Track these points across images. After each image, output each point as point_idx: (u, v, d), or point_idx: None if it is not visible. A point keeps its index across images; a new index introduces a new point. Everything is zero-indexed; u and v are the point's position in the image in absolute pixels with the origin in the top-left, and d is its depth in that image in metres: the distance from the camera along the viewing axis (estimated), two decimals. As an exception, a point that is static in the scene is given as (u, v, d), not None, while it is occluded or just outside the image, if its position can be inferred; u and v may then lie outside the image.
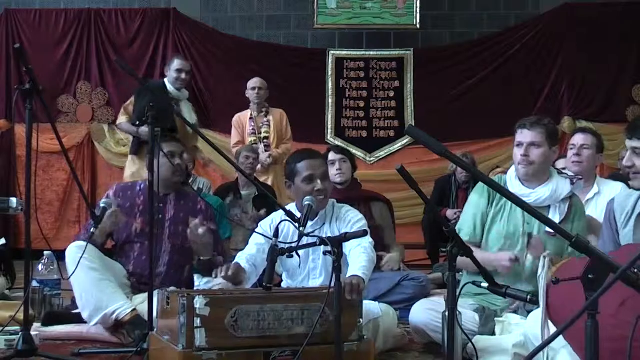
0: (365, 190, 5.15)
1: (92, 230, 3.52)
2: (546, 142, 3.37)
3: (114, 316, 3.51)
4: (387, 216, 4.96)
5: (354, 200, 4.66)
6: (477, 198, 3.49)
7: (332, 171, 4.85)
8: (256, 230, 3.52)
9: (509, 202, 3.40)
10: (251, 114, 6.88)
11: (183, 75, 5.89)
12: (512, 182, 3.45)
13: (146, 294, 3.73)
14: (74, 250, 3.55)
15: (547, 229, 3.33)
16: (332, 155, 4.94)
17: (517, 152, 3.41)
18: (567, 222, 3.36)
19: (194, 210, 3.97)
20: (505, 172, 6.69)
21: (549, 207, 3.38)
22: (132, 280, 3.86)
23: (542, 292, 2.54)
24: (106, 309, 3.51)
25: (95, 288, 3.54)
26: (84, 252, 3.39)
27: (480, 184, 3.56)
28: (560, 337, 2.48)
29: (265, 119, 6.85)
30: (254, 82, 6.93)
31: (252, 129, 6.80)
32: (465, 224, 3.46)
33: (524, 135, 3.39)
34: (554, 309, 2.48)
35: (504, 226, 3.40)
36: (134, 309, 3.55)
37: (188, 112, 5.93)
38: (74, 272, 3.36)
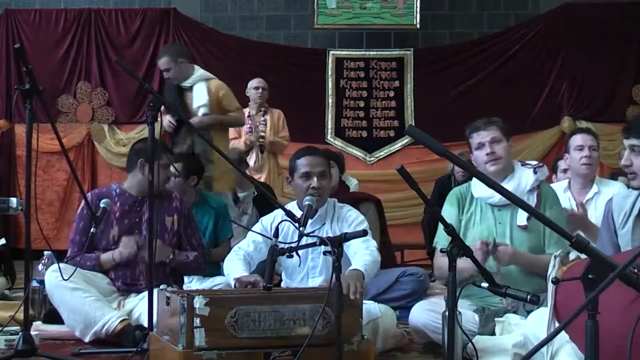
0: (354, 192, 5.13)
1: (92, 230, 3.52)
2: (504, 137, 3.43)
3: (104, 330, 3.50)
4: (373, 217, 4.90)
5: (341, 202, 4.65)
6: (448, 208, 3.51)
7: None
8: (255, 226, 3.54)
9: (480, 207, 3.44)
10: (249, 112, 6.92)
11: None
12: (477, 185, 3.44)
13: (139, 294, 3.75)
14: (53, 276, 3.57)
15: (519, 223, 3.34)
16: None
17: (481, 154, 3.44)
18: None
19: (169, 209, 3.93)
20: None
21: None
22: (117, 285, 3.85)
23: (551, 291, 2.53)
24: (95, 325, 3.51)
25: (80, 307, 3.54)
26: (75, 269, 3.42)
27: (450, 193, 3.59)
28: (565, 333, 2.48)
29: (262, 118, 6.92)
30: (257, 81, 6.99)
31: (250, 128, 6.85)
32: (441, 236, 3.44)
33: (482, 135, 3.44)
34: (562, 309, 2.48)
35: (477, 231, 3.40)
36: (124, 319, 3.55)
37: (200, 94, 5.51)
38: (71, 275, 3.36)
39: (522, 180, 3.40)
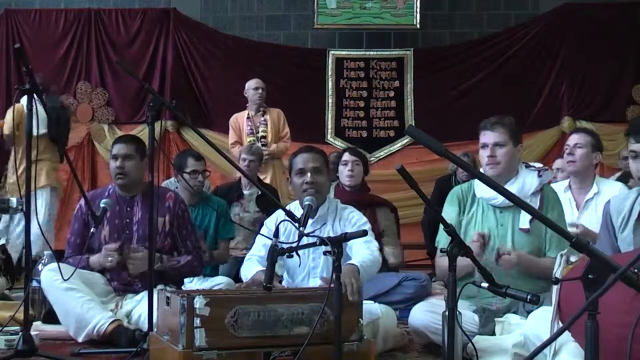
0: (373, 195, 5.18)
1: (92, 230, 3.52)
2: (510, 140, 3.39)
3: (95, 332, 3.51)
4: (391, 223, 4.97)
5: (360, 204, 4.68)
6: (448, 208, 3.49)
7: (344, 171, 4.92)
8: (262, 230, 3.53)
9: (480, 207, 3.42)
10: (248, 114, 6.91)
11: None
12: (480, 185, 3.42)
13: (136, 295, 3.77)
14: (49, 275, 3.59)
15: (522, 226, 3.33)
16: (346, 156, 5.03)
17: (483, 154, 3.42)
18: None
19: (161, 209, 3.85)
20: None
21: None
22: (113, 285, 3.85)
23: (555, 289, 2.53)
24: (87, 326, 3.52)
25: (74, 307, 3.55)
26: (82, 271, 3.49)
27: (451, 192, 3.56)
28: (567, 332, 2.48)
29: (262, 119, 6.88)
30: (255, 82, 6.95)
31: (250, 129, 6.83)
32: (442, 236, 3.43)
33: (487, 137, 3.41)
34: (564, 307, 2.47)
35: (479, 231, 3.38)
36: (115, 320, 3.54)
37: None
38: (70, 276, 3.37)
39: (527, 183, 3.38)
